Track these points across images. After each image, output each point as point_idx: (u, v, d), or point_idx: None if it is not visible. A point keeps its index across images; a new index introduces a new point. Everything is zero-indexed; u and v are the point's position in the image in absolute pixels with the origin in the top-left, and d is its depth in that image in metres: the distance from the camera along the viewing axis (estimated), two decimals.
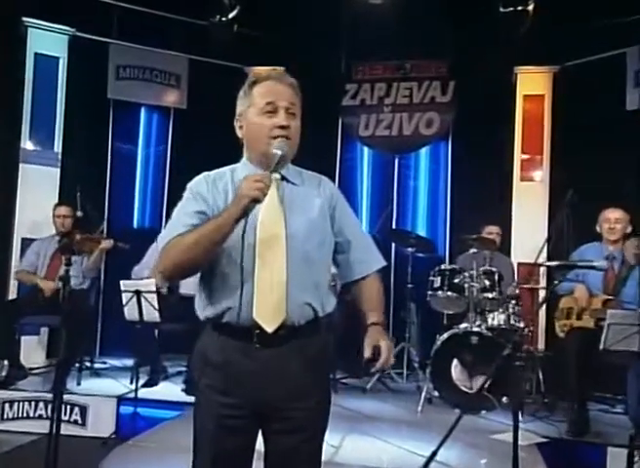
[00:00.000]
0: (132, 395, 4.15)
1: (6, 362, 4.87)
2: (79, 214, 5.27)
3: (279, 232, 1.74)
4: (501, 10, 5.36)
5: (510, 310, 4.75)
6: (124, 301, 4.31)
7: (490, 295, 4.81)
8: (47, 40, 5.91)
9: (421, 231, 6.59)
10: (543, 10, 5.35)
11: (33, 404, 4.12)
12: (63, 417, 3.74)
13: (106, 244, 5.15)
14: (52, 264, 5.19)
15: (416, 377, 5.42)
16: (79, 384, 4.84)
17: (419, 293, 5.30)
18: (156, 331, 5.01)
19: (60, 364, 3.96)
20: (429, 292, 4.97)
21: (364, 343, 1.81)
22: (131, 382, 4.79)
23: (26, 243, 5.52)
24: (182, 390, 4.71)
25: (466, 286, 4.81)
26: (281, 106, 1.79)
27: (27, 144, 5.82)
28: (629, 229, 4.50)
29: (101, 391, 4.60)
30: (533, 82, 6.32)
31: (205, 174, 1.86)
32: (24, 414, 4.12)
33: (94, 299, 5.61)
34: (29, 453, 3.67)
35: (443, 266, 5.09)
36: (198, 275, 1.80)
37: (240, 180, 1.70)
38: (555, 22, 5.52)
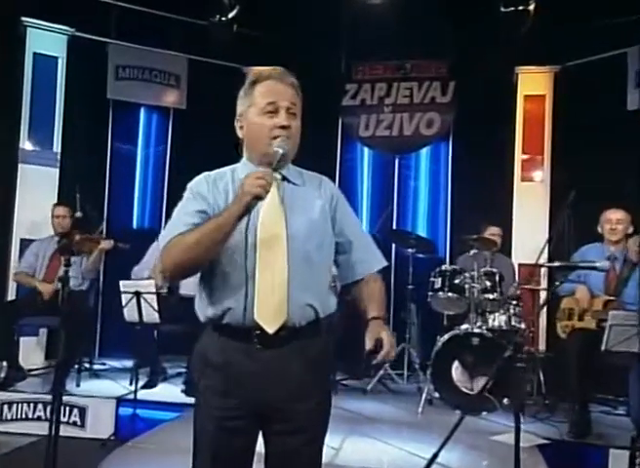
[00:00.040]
0: (131, 396, 4.13)
1: (5, 363, 4.87)
2: (78, 214, 5.24)
3: (280, 232, 1.73)
4: (502, 10, 5.36)
5: (511, 311, 4.73)
6: (123, 302, 4.30)
7: (491, 296, 4.80)
8: (46, 40, 5.90)
9: (422, 232, 6.58)
10: (544, 10, 5.35)
11: (32, 405, 4.10)
12: (62, 419, 3.73)
13: (106, 244, 5.14)
14: (51, 265, 5.17)
15: (416, 378, 5.40)
16: (78, 385, 4.82)
17: (419, 294, 5.29)
18: (155, 333, 5.00)
19: (60, 365, 3.95)
20: (430, 293, 4.95)
21: (365, 337, 1.79)
22: (130, 383, 4.78)
23: (25, 243, 5.51)
24: (182, 391, 4.70)
25: (467, 287, 4.80)
26: (282, 106, 1.77)
27: (26, 144, 5.80)
28: (631, 230, 4.49)
29: (101, 392, 4.59)
30: (533, 82, 6.31)
31: (205, 174, 1.85)
32: (23, 416, 4.11)
33: (93, 300, 5.60)
34: (28, 455, 3.66)
35: (444, 267, 5.08)
36: (198, 275, 1.79)
37: (241, 179, 1.69)
38: (556, 22, 5.52)
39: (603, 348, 3.74)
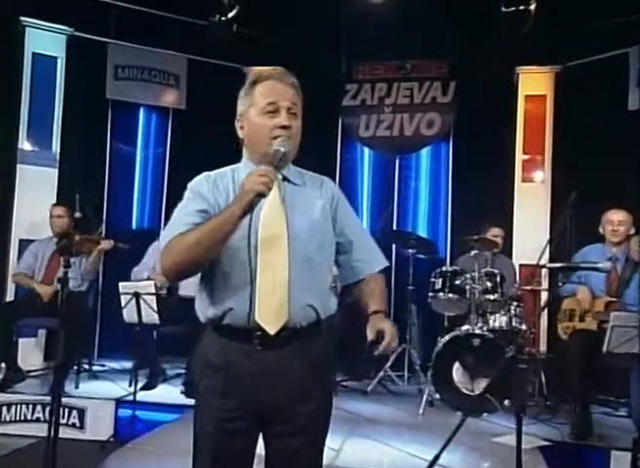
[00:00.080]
0: (130, 398, 4.13)
1: (3, 364, 4.85)
2: (78, 214, 5.23)
3: (281, 232, 1.72)
4: (503, 9, 5.35)
5: (512, 312, 4.72)
6: (123, 303, 4.29)
7: (491, 297, 4.79)
8: (45, 40, 5.88)
9: (422, 232, 6.56)
10: (545, 9, 5.33)
11: (31, 407, 4.10)
12: (62, 420, 3.73)
13: (106, 244, 5.12)
14: (50, 266, 5.16)
15: (417, 380, 5.38)
16: (77, 387, 4.80)
17: (419, 295, 5.27)
18: (155, 334, 4.98)
19: (59, 366, 3.92)
20: (430, 294, 4.93)
21: (367, 329, 1.78)
22: (129, 385, 4.75)
23: (24, 244, 5.49)
24: (182, 392, 4.69)
25: (468, 287, 4.79)
26: (282, 106, 1.77)
27: (25, 145, 5.78)
28: (632, 231, 4.47)
29: (100, 394, 4.58)
30: (534, 82, 6.29)
31: (205, 174, 1.85)
32: (22, 417, 4.10)
33: (92, 301, 5.58)
34: (27, 457, 3.66)
35: (444, 268, 5.06)
36: (198, 276, 1.77)
37: (242, 178, 1.68)
38: (557, 22, 5.50)
39: (604, 349, 3.72)
